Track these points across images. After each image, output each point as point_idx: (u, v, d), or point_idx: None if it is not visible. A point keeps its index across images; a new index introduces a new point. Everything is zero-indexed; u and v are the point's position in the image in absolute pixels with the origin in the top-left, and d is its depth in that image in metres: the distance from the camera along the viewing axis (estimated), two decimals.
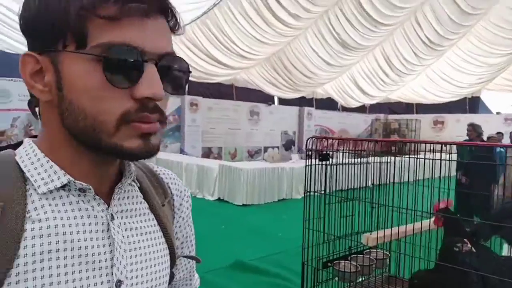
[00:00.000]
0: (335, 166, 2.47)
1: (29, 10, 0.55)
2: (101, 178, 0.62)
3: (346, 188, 2.57)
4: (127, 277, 0.61)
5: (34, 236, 0.53)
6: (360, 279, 2.60)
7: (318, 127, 16.98)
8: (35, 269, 0.53)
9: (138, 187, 0.70)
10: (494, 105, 19.06)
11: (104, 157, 0.59)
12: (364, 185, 2.65)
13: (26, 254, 0.52)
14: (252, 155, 14.79)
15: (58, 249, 0.55)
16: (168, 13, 0.58)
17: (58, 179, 0.57)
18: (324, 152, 2.39)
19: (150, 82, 0.54)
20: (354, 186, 2.62)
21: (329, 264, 2.54)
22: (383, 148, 2.64)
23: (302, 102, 16.51)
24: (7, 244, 0.51)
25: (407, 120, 18.40)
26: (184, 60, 0.62)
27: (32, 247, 0.53)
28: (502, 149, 4.74)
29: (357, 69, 15.34)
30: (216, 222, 6.45)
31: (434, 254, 2.23)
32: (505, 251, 2.71)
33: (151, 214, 0.70)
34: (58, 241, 0.55)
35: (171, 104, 12.19)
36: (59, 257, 0.54)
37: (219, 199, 8.57)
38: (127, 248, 0.62)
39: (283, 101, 16.07)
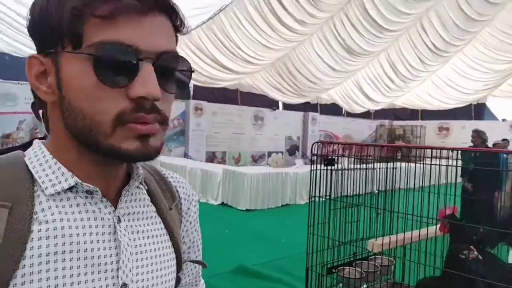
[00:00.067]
0: (340, 171, 2.46)
1: (34, 14, 0.57)
2: (106, 180, 0.61)
3: (351, 194, 2.55)
4: (132, 281, 0.60)
5: (40, 237, 0.53)
6: (365, 286, 2.58)
7: (323, 133, 16.95)
8: (41, 270, 0.52)
9: (146, 190, 0.69)
10: (499, 112, 19.01)
11: (105, 158, 0.58)
12: (369, 191, 2.63)
13: (32, 255, 0.52)
14: (256, 160, 14.78)
15: (64, 251, 0.54)
16: (168, 10, 0.57)
17: (66, 180, 0.57)
18: (330, 157, 2.39)
19: (145, 81, 0.53)
20: (359, 191, 2.61)
21: (333, 270, 2.52)
22: (388, 153, 2.63)
23: (306, 107, 16.51)
24: (14, 245, 0.51)
25: (412, 126, 18.32)
26: (186, 60, 0.60)
27: (38, 249, 0.53)
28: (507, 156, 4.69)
29: (362, 75, 15.32)
30: (219, 227, 6.44)
31: (439, 261, 2.21)
32: None
33: (158, 217, 0.69)
34: (65, 242, 0.55)
35: (176, 108, 12.22)
36: (64, 259, 0.54)
37: (222, 203, 8.55)
38: (133, 251, 0.62)
39: (287, 106, 16.07)
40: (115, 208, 0.61)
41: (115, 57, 0.52)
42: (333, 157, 2.45)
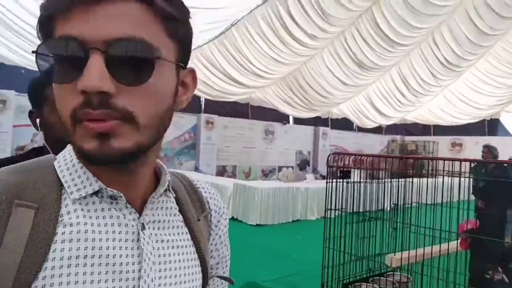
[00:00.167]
0: (357, 184, 2.40)
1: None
2: (126, 186, 0.58)
3: (368, 209, 2.49)
4: None
5: (64, 240, 0.52)
6: None
7: (333, 147, 16.85)
8: (62, 274, 0.51)
9: (174, 197, 0.66)
10: None
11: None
12: (386, 205, 2.57)
13: (54, 258, 0.51)
14: (267, 174, 14.70)
15: (86, 255, 0.53)
16: None
17: (90, 185, 0.56)
18: (345, 169, 2.33)
19: (86, 73, 0.48)
20: (375, 205, 2.54)
21: (349, 286, 2.44)
22: (402, 168, 2.57)
23: (317, 121, 16.45)
24: (38, 246, 0.50)
25: (424, 142, 18.12)
26: (149, 44, 0.51)
27: (61, 251, 0.51)
28: None
29: (373, 89, 15.26)
30: (229, 242, 6.36)
31: (459, 278, 2.13)
32: None
33: (185, 227, 0.66)
34: (87, 247, 0.53)
35: (187, 122, 12.30)
36: (86, 264, 0.52)
37: (232, 218, 8.48)
38: (156, 261, 0.59)
39: (298, 121, 16.03)
40: (140, 215, 0.59)
41: (61, 52, 0.50)
42: (349, 169, 2.39)
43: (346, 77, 13.33)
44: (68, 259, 0.51)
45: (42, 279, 0.49)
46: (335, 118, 17.15)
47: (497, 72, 15.08)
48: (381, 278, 2.52)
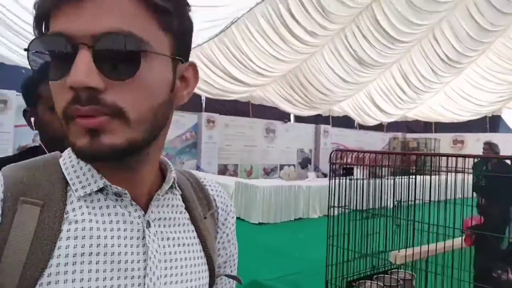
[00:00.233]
0: (360, 181, 2.39)
1: None
2: (130, 184, 0.57)
3: (371, 206, 2.48)
4: None
5: (69, 237, 0.52)
6: None
7: (335, 145, 16.82)
8: (67, 271, 0.50)
9: (180, 195, 0.66)
10: None
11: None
12: (389, 201, 2.56)
13: (60, 255, 0.50)
14: (268, 172, 14.70)
15: (91, 252, 0.52)
16: None
17: (95, 182, 0.55)
18: (348, 166, 2.32)
19: (73, 69, 0.47)
20: (378, 202, 2.53)
21: (353, 284, 2.43)
22: (405, 163, 2.56)
23: (318, 119, 16.43)
24: (44, 243, 0.50)
25: (425, 139, 18.09)
26: (137, 38, 0.50)
27: (66, 248, 0.51)
28: None
29: (374, 86, 15.23)
30: None
31: (464, 275, 2.12)
32: None
33: (191, 225, 0.65)
34: (92, 244, 0.52)
35: (189, 121, 12.29)
36: (91, 261, 0.52)
37: None
38: (161, 259, 0.58)
39: (299, 119, 16.01)
40: (146, 213, 0.58)
41: (51, 49, 0.50)
42: (352, 166, 2.38)
43: (347, 74, 13.31)
44: (74, 256, 0.51)
45: (48, 276, 0.49)
46: (336, 116, 17.13)
47: (498, 69, 15.04)
48: (385, 275, 2.51)
